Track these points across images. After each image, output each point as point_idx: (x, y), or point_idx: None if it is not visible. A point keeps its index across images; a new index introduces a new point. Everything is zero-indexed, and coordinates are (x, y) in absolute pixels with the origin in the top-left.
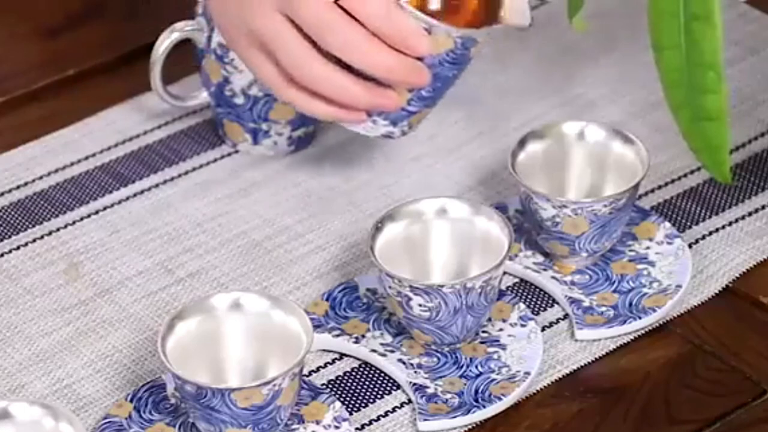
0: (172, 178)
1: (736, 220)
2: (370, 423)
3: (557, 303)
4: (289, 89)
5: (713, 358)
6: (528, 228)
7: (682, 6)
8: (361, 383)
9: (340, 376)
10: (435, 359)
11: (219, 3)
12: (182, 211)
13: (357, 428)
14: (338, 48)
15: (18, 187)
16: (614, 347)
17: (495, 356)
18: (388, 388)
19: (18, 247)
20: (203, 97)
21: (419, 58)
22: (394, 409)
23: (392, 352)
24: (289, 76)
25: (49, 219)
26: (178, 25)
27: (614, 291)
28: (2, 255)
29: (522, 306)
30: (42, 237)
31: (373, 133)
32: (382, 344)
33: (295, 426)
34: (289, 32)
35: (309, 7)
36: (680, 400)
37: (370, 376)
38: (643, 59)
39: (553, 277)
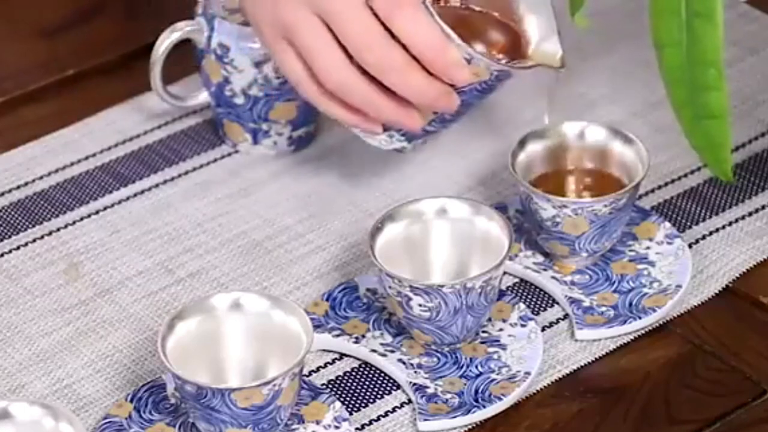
0: (172, 178)
1: (736, 220)
2: (370, 423)
3: (557, 303)
4: (313, 88)
5: (713, 358)
6: (528, 228)
7: (684, 3)
8: (361, 383)
9: (340, 376)
10: (435, 359)
11: None
12: (182, 211)
13: (357, 428)
14: (375, 66)
15: (18, 187)
16: (614, 347)
17: (495, 356)
18: (388, 388)
19: (18, 247)
20: (203, 97)
21: (452, 85)
22: (394, 409)
23: (392, 352)
24: (315, 76)
25: (49, 219)
26: (178, 25)
27: (614, 291)
28: (2, 255)
29: (522, 306)
30: (42, 237)
31: (386, 147)
32: (382, 344)
33: (295, 426)
34: (322, 36)
35: (350, 23)
36: (680, 400)
37: (370, 376)
38: (644, 59)
39: (553, 277)
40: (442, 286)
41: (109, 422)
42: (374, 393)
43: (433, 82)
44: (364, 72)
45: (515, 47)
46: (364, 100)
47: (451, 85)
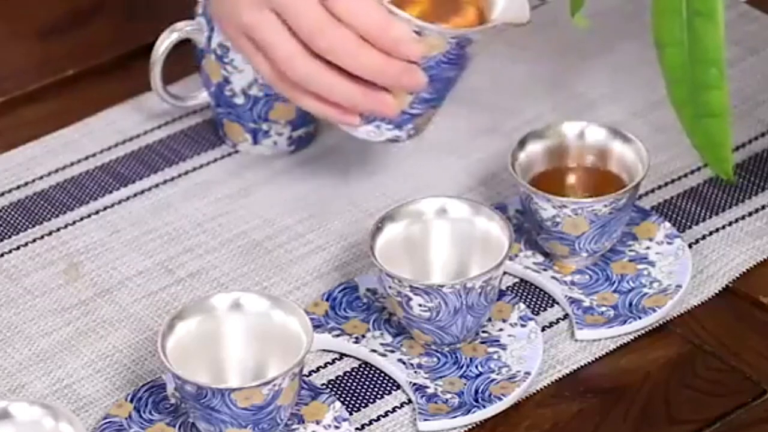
0: (172, 178)
1: (736, 220)
2: (370, 423)
3: (557, 303)
4: (283, 83)
5: (713, 358)
6: (528, 228)
7: (685, 3)
8: (361, 383)
9: (340, 376)
10: (435, 359)
11: None
12: (182, 211)
13: (357, 428)
14: (327, 50)
15: (18, 187)
16: (614, 347)
17: (495, 356)
18: (388, 388)
19: (18, 247)
20: (203, 97)
21: (413, 61)
22: (394, 409)
23: (392, 352)
24: (281, 71)
25: (49, 219)
26: (178, 25)
27: (614, 291)
28: (2, 255)
29: (522, 306)
30: (42, 237)
31: (378, 138)
32: (382, 344)
33: (295, 426)
34: (279, 31)
35: (301, 12)
36: (680, 400)
37: (370, 376)
38: (644, 59)
39: (553, 277)
40: (442, 286)
41: (109, 422)
42: (374, 393)
43: (389, 60)
44: (329, 63)
45: (484, 15)
46: (330, 89)
47: (415, 62)
